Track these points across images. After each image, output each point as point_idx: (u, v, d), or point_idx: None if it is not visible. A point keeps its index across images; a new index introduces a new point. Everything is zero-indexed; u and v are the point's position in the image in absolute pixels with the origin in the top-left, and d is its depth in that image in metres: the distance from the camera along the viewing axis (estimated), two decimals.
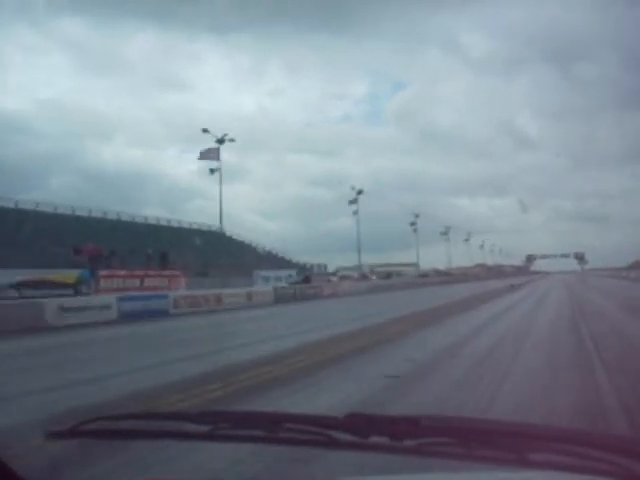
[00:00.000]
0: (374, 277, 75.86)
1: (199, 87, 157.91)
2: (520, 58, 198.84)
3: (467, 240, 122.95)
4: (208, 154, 40.83)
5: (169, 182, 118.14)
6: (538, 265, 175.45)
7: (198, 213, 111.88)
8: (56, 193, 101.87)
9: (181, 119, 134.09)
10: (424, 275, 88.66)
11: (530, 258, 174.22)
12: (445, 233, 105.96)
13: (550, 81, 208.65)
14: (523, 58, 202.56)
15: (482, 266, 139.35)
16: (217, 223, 45.80)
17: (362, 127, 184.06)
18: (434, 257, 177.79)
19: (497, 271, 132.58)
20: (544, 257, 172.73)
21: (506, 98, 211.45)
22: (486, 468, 1.34)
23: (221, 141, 40.76)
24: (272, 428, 1.43)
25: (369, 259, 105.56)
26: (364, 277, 73.04)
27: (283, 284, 50.79)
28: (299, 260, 67.95)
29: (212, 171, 40.82)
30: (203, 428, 1.45)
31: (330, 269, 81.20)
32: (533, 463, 1.22)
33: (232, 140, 42.30)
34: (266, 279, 52.64)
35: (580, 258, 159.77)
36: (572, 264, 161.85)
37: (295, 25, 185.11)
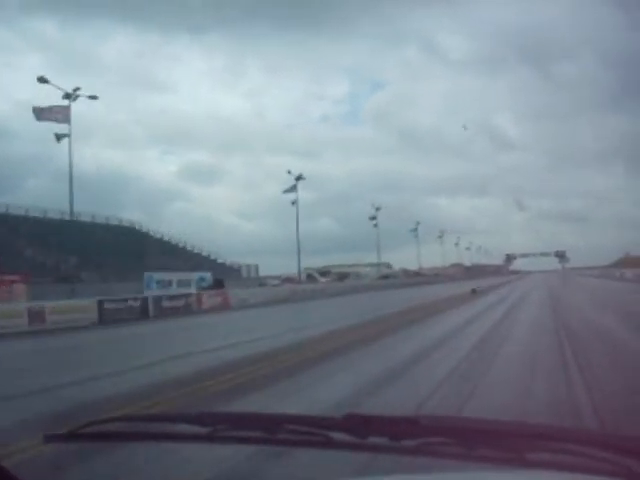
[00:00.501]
0: (323, 280, 65.09)
1: (178, 88, 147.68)
2: (500, 58, 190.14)
3: (440, 237, 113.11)
4: (52, 114, 29.41)
5: (148, 185, 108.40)
6: (518, 264, 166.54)
7: (177, 217, 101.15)
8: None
9: (160, 120, 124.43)
10: (385, 277, 78.31)
11: (509, 257, 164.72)
12: (414, 229, 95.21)
13: (530, 81, 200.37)
14: (503, 58, 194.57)
15: (458, 266, 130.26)
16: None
17: (341, 127, 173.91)
18: (412, 257, 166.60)
19: (475, 271, 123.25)
20: (524, 256, 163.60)
21: (486, 98, 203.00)
22: (486, 468, 1.31)
23: (70, 96, 29.49)
24: (271, 429, 1.40)
25: (343, 260, 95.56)
26: (312, 279, 62.73)
27: (191, 290, 39.87)
28: (227, 261, 56.82)
29: (58, 138, 29.41)
30: (202, 430, 1.42)
31: (295, 270, 70.75)
32: (532, 462, 1.20)
33: (94, 97, 31.16)
34: (165, 284, 41.17)
35: (561, 256, 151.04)
36: (553, 263, 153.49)
37: (273, 25, 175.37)
